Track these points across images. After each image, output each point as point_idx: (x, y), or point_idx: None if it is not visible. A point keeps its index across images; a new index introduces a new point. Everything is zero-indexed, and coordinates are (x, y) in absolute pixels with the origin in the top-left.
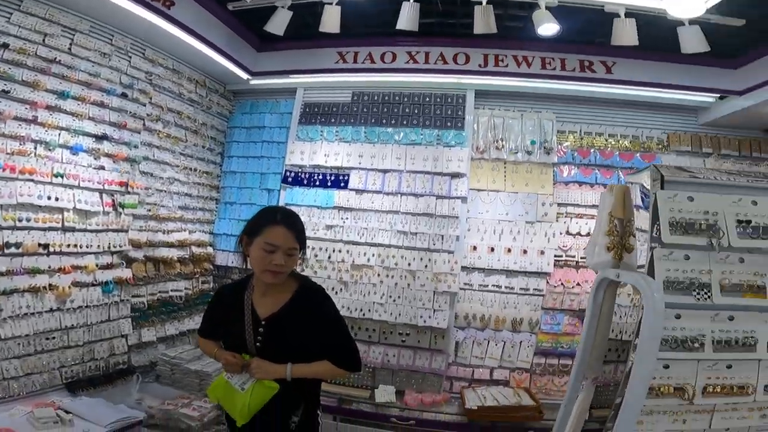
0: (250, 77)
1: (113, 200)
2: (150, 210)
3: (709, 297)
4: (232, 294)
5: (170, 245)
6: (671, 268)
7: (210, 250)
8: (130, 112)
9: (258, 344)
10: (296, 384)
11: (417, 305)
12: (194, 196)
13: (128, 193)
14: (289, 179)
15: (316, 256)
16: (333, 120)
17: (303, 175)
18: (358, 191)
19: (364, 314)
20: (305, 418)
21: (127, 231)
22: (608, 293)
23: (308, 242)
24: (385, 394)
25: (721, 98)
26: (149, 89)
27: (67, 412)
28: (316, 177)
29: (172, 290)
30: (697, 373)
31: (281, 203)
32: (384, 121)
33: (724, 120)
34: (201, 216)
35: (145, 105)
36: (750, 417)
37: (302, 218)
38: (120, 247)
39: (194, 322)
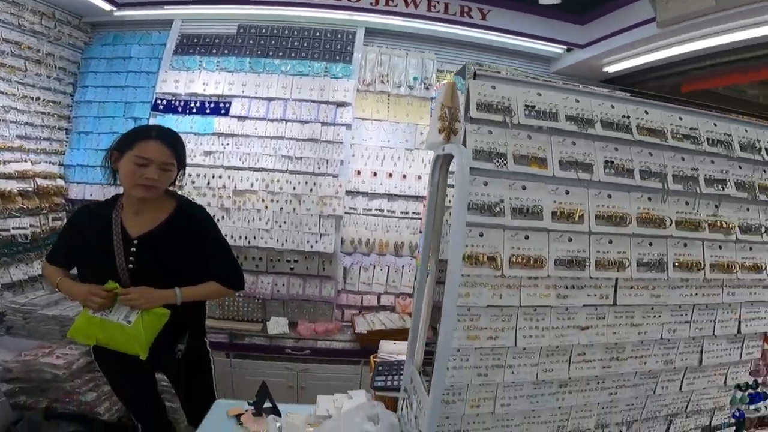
0: (114, 8)
1: None
2: None
3: (504, 164)
4: (95, 215)
5: (8, 177)
6: (478, 140)
7: (61, 182)
8: None
9: (131, 266)
10: (181, 310)
11: (303, 230)
12: (38, 126)
13: None
14: (160, 107)
15: (193, 182)
16: (215, 51)
17: (177, 103)
18: (241, 118)
19: (249, 242)
20: (192, 346)
21: None
22: (441, 173)
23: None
24: (277, 325)
25: (568, 50)
26: None
27: None
28: (192, 104)
29: (14, 228)
30: (504, 242)
31: None
32: (271, 53)
33: (570, 70)
34: (47, 146)
35: None
36: (548, 296)
37: None
38: None
39: None
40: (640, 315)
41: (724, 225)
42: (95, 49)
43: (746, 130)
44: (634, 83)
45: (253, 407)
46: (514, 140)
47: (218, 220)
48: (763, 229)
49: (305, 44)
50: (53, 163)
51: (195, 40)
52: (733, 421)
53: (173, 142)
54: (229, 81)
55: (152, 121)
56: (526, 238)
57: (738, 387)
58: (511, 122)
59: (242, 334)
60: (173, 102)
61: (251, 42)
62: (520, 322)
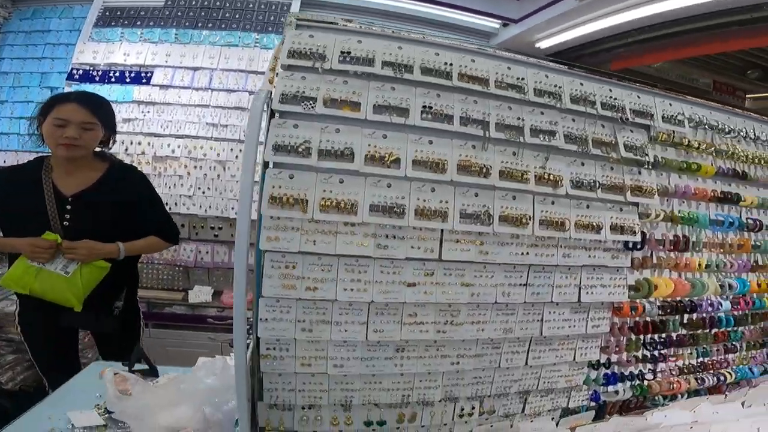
0: None
1: None
2: None
3: (313, 107)
4: (17, 177)
5: None
6: (288, 84)
7: None
8: None
9: (66, 223)
10: (121, 266)
11: (228, 196)
12: None
13: None
14: (76, 76)
15: (109, 149)
16: (139, 23)
17: (94, 73)
18: (163, 87)
19: (170, 208)
20: (129, 305)
21: None
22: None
23: None
24: (200, 294)
25: (504, 25)
26: None
27: None
28: (111, 74)
29: None
30: (315, 185)
31: None
32: (200, 24)
33: (506, 44)
34: None
35: None
36: (366, 245)
37: None
38: None
39: None
40: (471, 273)
41: (552, 178)
42: (14, 24)
43: (581, 84)
44: (568, 60)
45: (126, 368)
46: (327, 85)
47: None
48: (597, 185)
49: (237, 15)
50: None
51: (118, 13)
52: (593, 404)
53: (93, 104)
54: (153, 51)
55: (67, 89)
56: (341, 182)
57: (591, 365)
58: (322, 68)
59: (162, 303)
60: (90, 71)
61: (179, 14)
62: (341, 272)
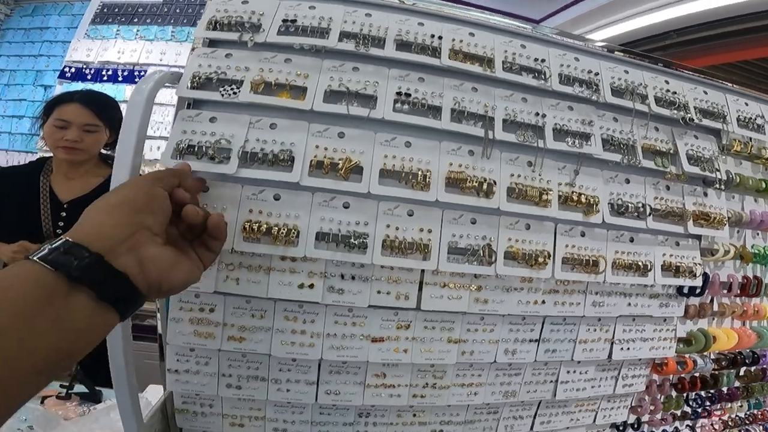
0: None
1: None
2: None
3: (235, 93)
4: (17, 177)
5: None
6: (203, 63)
7: None
8: None
9: (59, 231)
10: None
11: None
12: None
13: None
14: (68, 74)
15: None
16: (136, 20)
17: (87, 71)
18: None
19: None
20: None
21: None
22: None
23: None
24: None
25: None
26: None
27: None
28: (104, 72)
29: None
30: (239, 203)
31: None
32: (197, 22)
33: None
34: None
35: None
36: (310, 285)
37: None
38: None
39: None
40: (463, 327)
41: (584, 200)
42: (14, 21)
43: (626, 72)
44: None
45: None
46: (261, 64)
47: None
48: (647, 211)
49: None
50: None
51: (116, 10)
52: None
53: (98, 104)
54: (147, 50)
55: (58, 89)
56: (276, 198)
57: (615, 427)
58: (251, 41)
59: (143, 315)
60: (83, 70)
61: (178, 11)
62: (278, 321)
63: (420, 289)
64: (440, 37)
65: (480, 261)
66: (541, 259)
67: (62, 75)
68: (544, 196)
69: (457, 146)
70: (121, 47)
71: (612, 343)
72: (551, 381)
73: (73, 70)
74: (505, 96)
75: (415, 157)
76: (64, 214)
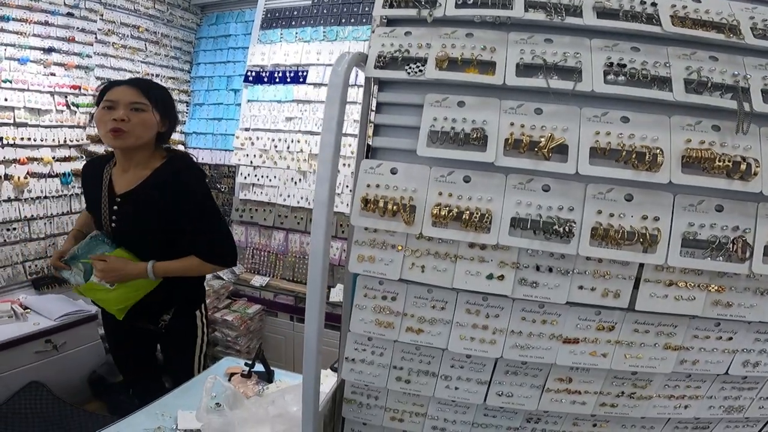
0: None
1: (66, 101)
2: None
3: (421, 71)
4: (95, 167)
5: None
6: (386, 43)
7: (181, 148)
8: (78, 28)
9: (114, 225)
10: (170, 282)
11: None
12: None
13: (82, 95)
14: (250, 78)
15: (275, 146)
16: (294, 23)
17: (264, 74)
18: (316, 85)
19: None
20: (178, 320)
21: (84, 128)
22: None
23: (269, 135)
24: (340, 293)
25: None
26: (98, 8)
27: (25, 308)
28: (276, 75)
29: None
30: (428, 185)
31: (244, 101)
32: (344, 20)
33: None
34: None
35: (95, 21)
36: (500, 277)
37: (263, 112)
38: (77, 141)
39: None
40: (689, 332)
41: None
42: (204, 30)
43: None
44: None
45: (247, 368)
46: (442, 40)
47: (295, 183)
48: None
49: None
50: (177, 132)
51: (277, 14)
52: None
53: (143, 85)
54: (306, 50)
55: (245, 92)
56: (467, 180)
57: None
58: (429, 16)
59: (332, 303)
60: (260, 73)
61: (325, 11)
62: (459, 314)
63: (636, 286)
64: (654, 4)
65: (727, 257)
66: None
67: (246, 79)
68: None
69: (695, 121)
70: (286, 50)
71: None
72: None
73: (253, 74)
74: (759, 65)
75: (637, 134)
76: (116, 207)
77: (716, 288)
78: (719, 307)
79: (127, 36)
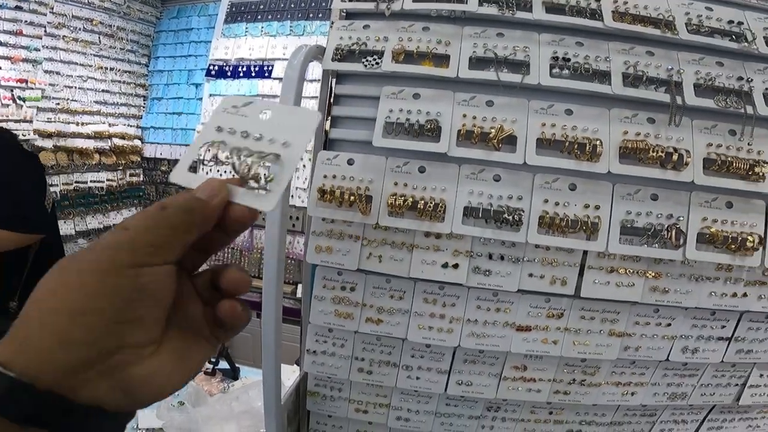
0: None
1: (12, 95)
2: (59, 104)
3: (378, 64)
4: None
5: (87, 136)
6: (344, 36)
7: (137, 143)
8: (27, 21)
9: None
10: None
11: None
12: (115, 93)
13: (30, 89)
14: (212, 72)
15: None
16: (260, 17)
17: (227, 68)
18: (281, 80)
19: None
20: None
21: (31, 121)
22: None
23: None
24: None
25: None
26: (49, 0)
27: None
28: (240, 69)
29: (91, 181)
30: (384, 176)
31: (206, 95)
32: (311, 15)
33: None
34: (125, 111)
35: (45, 15)
36: (454, 266)
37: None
38: (24, 136)
39: (122, 216)
40: (631, 319)
41: None
42: (164, 23)
43: None
44: None
45: (211, 366)
46: (399, 34)
47: None
48: None
49: None
50: (131, 126)
51: (242, 8)
52: None
53: None
54: (272, 45)
55: (206, 86)
56: (422, 171)
57: None
58: (387, 9)
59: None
60: (224, 67)
61: (292, 5)
62: (417, 303)
63: (581, 273)
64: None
65: (663, 243)
66: (748, 244)
67: (208, 73)
68: (756, 169)
69: (632, 113)
70: (251, 44)
71: None
72: (736, 384)
73: (216, 68)
74: (692, 60)
75: (579, 126)
76: None
77: (653, 274)
78: (657, 293)
79: (80, 29)
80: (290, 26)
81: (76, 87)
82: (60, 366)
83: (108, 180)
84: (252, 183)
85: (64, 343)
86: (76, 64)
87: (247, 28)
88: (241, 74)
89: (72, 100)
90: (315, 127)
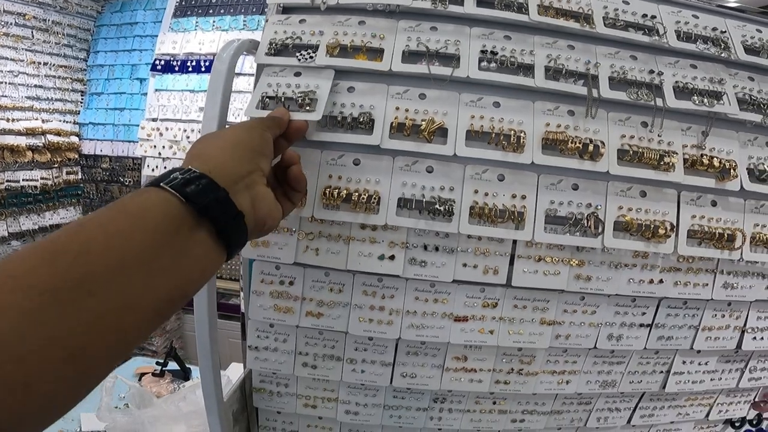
0: None
1: None
2: None
3: (312, 58)
4: None
5: (18, 133)
6: (279, 30)
7: (75, 139)
8: None
9: None
10: None
11: None
12: (49, 88)
13: None
14: (158, 67)
15: (188, 137)
16: (211, 11)
17: (174, 63)
18: (235, 74)
19: None
20: None
21: None
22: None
23: (180, 125)
24: None
25: None
26: None
27: None
28: (188, 64)
29: (24, 180)
30: (319, 168)
31: (151, 90)
32: (266, 9)
33: None
34: (60, 106)
35: None
36: (390, 258)
37: (174, 102)
38: None
39: (59, 216)
40: (559, 307)
41: (717, 164)
42: (106, 17)
43: (759, 30)
44: None
45: (159, 368)
46: (335, 28)
47: None
48: None
49: None
50: (67, 122)
51: (192, 2)
52: None
53: None
54: (224, 39)
55: (152, 81)
56: (356, 163)
57: (731, 424)
58: (323, 4)
59: (229, 294)
60: (171, 62)
61: (247, 0)
62: (356, 296)
63: (511, 263)
64: None
65: (584, 232)
66: (661, 231)
67: (154, 68)
68: (666, 159)
69: (554, 106)
70: (201, 38)
71: (743, 332)
72: (661, 372)
73: (162, 62)
74: (608, 54)
75: (506, 118)
76: None
77: (577, 262)
78: (581, 281)
79: (11, 24)
80: (244, 21)
81: (6, 82)
82: (230, 174)
83: (42, 179)
84: (306, 108)
85: (232, 160)
86: (6, 58)
87: (197, 22)
88: (190, 69)
89: (2, 96)
90: (331, 79)
